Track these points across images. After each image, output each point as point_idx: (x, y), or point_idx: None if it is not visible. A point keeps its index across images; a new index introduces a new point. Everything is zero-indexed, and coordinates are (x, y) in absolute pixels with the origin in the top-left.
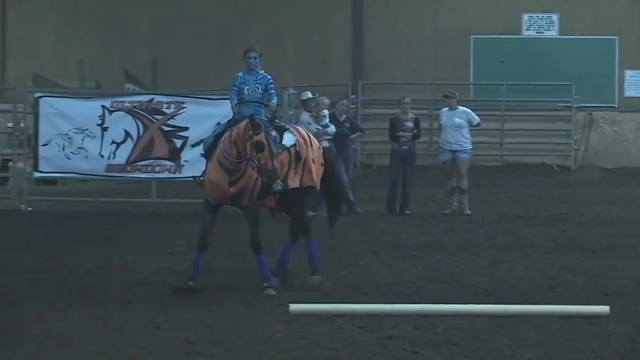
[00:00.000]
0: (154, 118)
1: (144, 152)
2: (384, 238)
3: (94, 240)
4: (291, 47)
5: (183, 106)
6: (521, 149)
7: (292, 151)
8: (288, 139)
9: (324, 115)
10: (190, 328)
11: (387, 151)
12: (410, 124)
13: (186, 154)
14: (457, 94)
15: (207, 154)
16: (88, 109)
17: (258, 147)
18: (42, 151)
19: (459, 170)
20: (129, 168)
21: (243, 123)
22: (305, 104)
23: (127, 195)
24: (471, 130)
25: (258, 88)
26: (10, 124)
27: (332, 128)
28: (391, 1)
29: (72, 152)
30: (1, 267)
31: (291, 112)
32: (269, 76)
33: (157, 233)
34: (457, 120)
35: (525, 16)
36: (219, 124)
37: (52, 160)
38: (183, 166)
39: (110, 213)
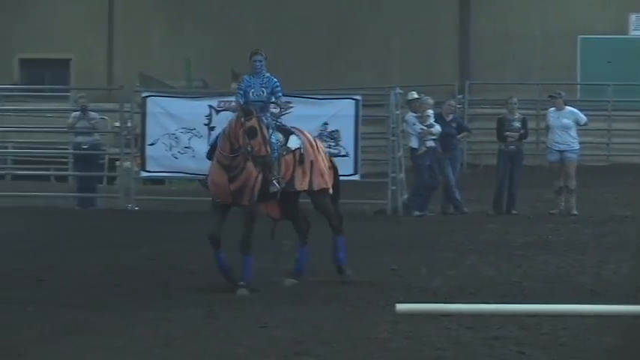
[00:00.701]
0: None
1: None
2: (490, 238)
3: (200, 239)
4: (398, 47)
5: (290, 105)
6: (628, 149)
7: (297, 153)
8: (293, 142)
9: (429, 115)
10: (297, 327)
11: (494, 151)
12: (517, 124)
13: None
14: (563, 94)
15: (210, 156)
16: (195, 109)
17: (251, 133)
18: (149, 150)
19: (567, 170)
20: None
21: (235, 114)
22: (410, 104)
23: None
24: (578, 130)
25: (263, 91)
26: (117, 124)
27: (437, 128)
28: (498, 0)
29: (179, 152)
30: (108, 266)
31: (397, 112)
32: (275, 79)
33: (263, 233)
34: (564, 120)
35: (633, 16)
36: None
37: (159, 159)
38: None
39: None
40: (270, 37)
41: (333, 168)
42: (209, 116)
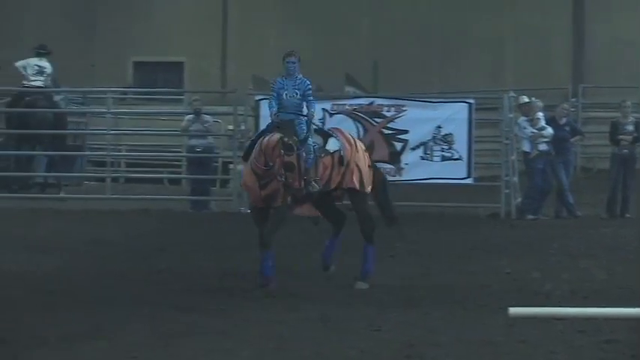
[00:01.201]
0: (374, 121)
1: None
2: (604, 242)
3: (314, 242)
4: (511, 50)
5: (403, 109)
6: None
7: (336, 155)
8: (332, 145)
9: (539, 118)
10: (409, 330)
11: (608, 155)
12: (630, 128)
13: (407, 157)
14: None
15: (246, 158)
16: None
17: (288, 167)
18: None
19: None
20: None
21: (275, 138)
22: (521, 108)
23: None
24: None
25: (296, 93)
26: (230, 127)
27: (548, 131)
28: (613, 1)
29: None
30: (222, 269)
31: (511, 116)
32: (308, 81)
33: (378, 236)
34: None
35: None
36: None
37: None
38: (403, 169)
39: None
40: (383, 40)
41: (374, 168)
42: (322, 119)
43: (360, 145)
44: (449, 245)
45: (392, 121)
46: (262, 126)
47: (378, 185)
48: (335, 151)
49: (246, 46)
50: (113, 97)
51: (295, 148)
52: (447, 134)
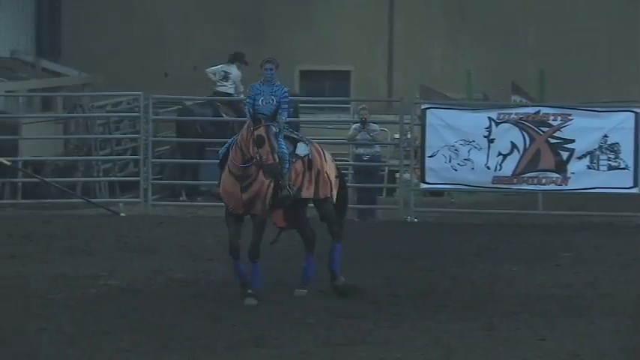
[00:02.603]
0: (540, 130)
1: (530, 164)
2: None
3: (480, 251)
4: None
5: (570, 118)
6: None
7: (305, 160)
8: (301, 149)
9: None
10: (575, 340)
11: None
12: None
13: (573, 166)
14: None
15: (222, 165)
16: (475, 121)
17: (259, 141)
18: (428, 162)
19: None
20: (515, 180)
21: (246, 124)
22: None
23: (513, 206)
24: None
25: (272, 100)
26: (396, 135)
27: None
28: None
29: (458, 164)
30: (387, 277)
31: None
32: (285, 89)
33: (543, 245)
34: None
35: None
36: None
37: (439, 171)
38: (569, 178)
39: (496, 224)
40: (549, 49)
41: (340, 178)
42: (489, 128)
43: (328, 156)
44: (615, 255)
45: (558, 130)
46: (429, 134)
47: (340, 199)
48: (304, 155)
49: (412, 55)
50: None
51: (263, 121)
52: (613, 144)
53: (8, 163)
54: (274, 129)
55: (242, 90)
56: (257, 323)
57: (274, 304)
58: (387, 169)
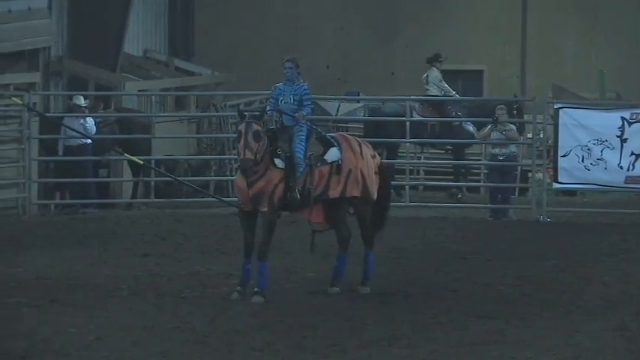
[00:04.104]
0: None
1: None
2: None
3: (612, 251)
4: None
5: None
6: None
7: (334, 165)
8: (331, 155)
9: None
10: None
11: None
12: None
13: None
14: None
15: None
16: (607, 121)
17: (237, 136)
18: (561, 162)
19: None
20: None
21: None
22: None
23: None
24: None
25: (291, 99)
26: (530, 135)
27: None
28: None
29: (591, 163)
30: (520, 277)
31: None
32: (305, 86)
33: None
34: None
35: None
36: None
37: (571, 171)
38: None
39: (628, 224)
40: None
41: (381, 173)
42: (621, 128)
43: (367, 152)
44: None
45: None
46: (561, 134)
47: (383, 191)
48: (333, 162)
49: (545, 55)
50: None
51: (245, 117)
52: None
53: (141, 162)
54: (255, 126)
55: (447, 89)
56: (390, 323)
57: (407, 303)
58: (519, 168)
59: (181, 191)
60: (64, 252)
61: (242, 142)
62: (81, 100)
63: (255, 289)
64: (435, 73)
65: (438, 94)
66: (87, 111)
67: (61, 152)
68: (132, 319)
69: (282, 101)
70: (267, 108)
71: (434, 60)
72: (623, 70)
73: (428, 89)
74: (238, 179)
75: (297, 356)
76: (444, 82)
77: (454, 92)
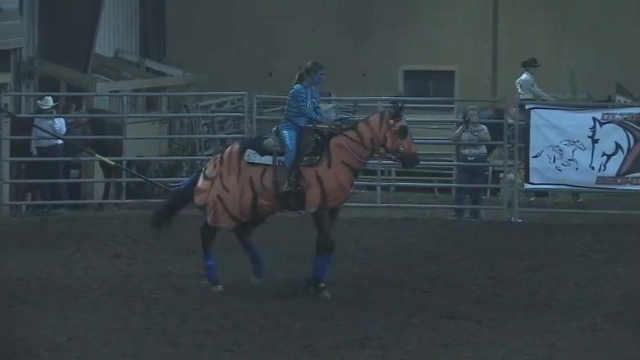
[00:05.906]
0: None
1: (634, 164)
2: None
3: (584, 252)
4: None
5: None
6: None
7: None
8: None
9: None
10: None
11: None
12: None
13: None
14: None
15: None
16: (579, 121)
17: (402, 132)
18: (533, 162)
19: None
20: (619, 180)
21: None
22: None
23: (618, 207)
24: None
25: (314, 102)
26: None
27: None
28: None
29: (562, 164)
30: (491, 277)
31: None
32: (317, 90)
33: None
34: None
35: None
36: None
37: (543, 171)
38: None
39: (600, 225)
40: None
41: None
42: (593, 128)
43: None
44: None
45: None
46: (533, 135)
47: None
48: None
49: (516, 55)
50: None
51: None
52: None
53: (112, 163)
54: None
55: (539, 94)
56: (362, 323)
57: (380, 304)
58: (491, 169)
59: (153, 192)
60: (36, 253)
61: (410, 136)
62: (48, 102)
63: (321, 284)
64: (527, 77)
65: (530, 98)
66: (55, 112)
67: (35, 153)
68: (104, 320)
69: (308, 104)
70: (307, 109)
71: (528, 64)
72: (593, 70)
73: (521, 93)
74: (342, 177)
75: (269, 357)
76: (536, 86)
77: (547, 96)
